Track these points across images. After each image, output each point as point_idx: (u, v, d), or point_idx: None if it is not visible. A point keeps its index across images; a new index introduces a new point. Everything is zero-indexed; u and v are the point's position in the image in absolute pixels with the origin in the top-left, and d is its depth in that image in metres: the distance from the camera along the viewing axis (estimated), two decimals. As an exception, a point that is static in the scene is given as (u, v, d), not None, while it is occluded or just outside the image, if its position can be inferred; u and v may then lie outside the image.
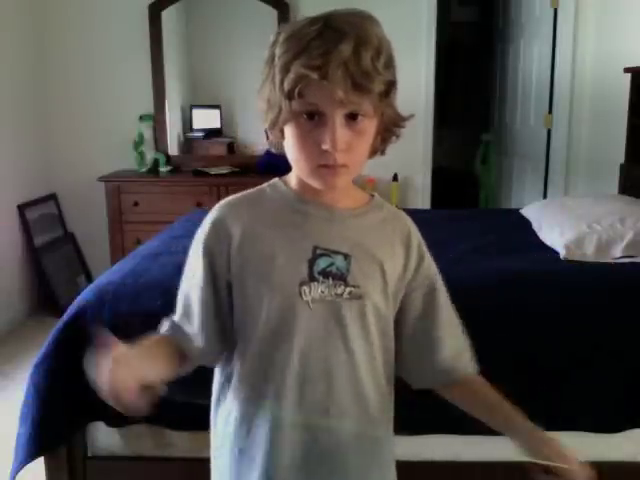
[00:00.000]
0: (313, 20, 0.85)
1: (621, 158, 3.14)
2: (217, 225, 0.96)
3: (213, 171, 3.79)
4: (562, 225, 2.28)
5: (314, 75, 0.82)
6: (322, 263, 0.91)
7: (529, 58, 4.19)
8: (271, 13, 3.77)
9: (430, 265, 1.04)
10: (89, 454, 1.84)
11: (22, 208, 3.67)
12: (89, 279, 4.05)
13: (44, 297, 3.79)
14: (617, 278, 1.94)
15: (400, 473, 1.65)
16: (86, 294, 1.82)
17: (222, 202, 0.99)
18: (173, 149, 4.08)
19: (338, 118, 0.85)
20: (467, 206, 5.13)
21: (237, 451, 0.98)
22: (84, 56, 3.97)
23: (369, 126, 0.89)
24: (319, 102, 0.85)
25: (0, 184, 3.48)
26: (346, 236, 0.94)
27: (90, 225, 4.04)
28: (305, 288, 0.91)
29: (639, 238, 2.11)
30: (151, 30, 3.90)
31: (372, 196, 1.01)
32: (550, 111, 3.91)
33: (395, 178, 4.02)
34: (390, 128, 0.93)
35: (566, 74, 3.80)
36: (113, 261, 3.53)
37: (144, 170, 3.92)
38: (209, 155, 4.10)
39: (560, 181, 3.91)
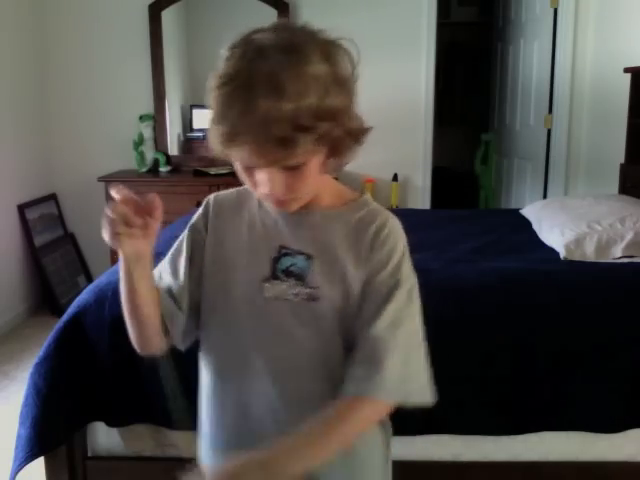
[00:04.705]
0: (237, 70, 0.79)
1: (621, 158, 3.14)
2: (201, 217, 1.01)
3: (213, 171, 3.79)
4: (562, 225, 2.28)
5: (227, 149, 0.82)
6: (285, 262, 0.93)
7: (529, 58, 4.19)
8: (271, 13, 3.77)
9: (394, 272, 0.92)
10: (89, 454, 1.84)
11: (22, 208, 3.67)
12: (89, 279, 4.05)
13: (44, 297, 3.80)
14: (617, 278, 1.94)
15: (400, 473, 1.65)
16: (86, 294, 1.82)
17: (212, 196, 1.03)
18: (173, 149, 4.08)
19: (271, 170, 0.83)
20: (467, 206, 5.13)
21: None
22: (84, 56, 3.98)
23: (310, 165, 0.85)
24: (244, 162, 0.84)
25: (0, 184, 3.48)
26: (313, 237, 0.94)
27: (90, 225, 4.03)
28: (267, 285, 0.93)
29: (639, 238, 2.11)
30: (151, 30, 3.90)
31: (362, 195, 0.99)
32: (550, 111, 3.92)
33: (395, 178, 4.02)
34: (347, 145, 0.87)
35: (566, 74, 3.80)
36: (113, 261, 3.53)
37: (144, 170, 3.92)
38: (209, 155, 4.08)
39: (560, 181, 3.91)
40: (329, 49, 0.82)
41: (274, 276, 0.93)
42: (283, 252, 0.93)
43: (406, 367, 0.90)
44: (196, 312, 0.99)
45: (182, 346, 1.00)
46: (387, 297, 0.90)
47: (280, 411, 0.94)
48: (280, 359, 0.94)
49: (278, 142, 0.78)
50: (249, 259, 0.95)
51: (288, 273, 0.93)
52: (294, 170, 0.83)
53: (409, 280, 0.93)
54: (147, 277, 0.91)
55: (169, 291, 0.97)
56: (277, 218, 0.95)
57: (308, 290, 0.92)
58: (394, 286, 0.91)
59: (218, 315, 0.97)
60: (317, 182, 0.90)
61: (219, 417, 1.00)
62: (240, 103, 0.78)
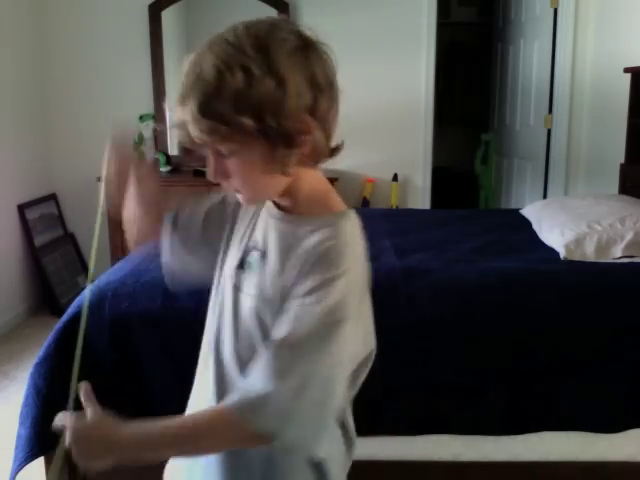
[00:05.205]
0: (191, 56, 0.85)
1: (621, 158, 3.14)
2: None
3: (213, 171, 3.79)
4: (562, 225, 2.28)
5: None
6: (252, 256, 0.96)
7: (529, 58, 4.19)
8: (271, 13, 3.77)
9: (311, 293, 0.82)
10: (89, 454, 1.84)
11: (22, 208, 3.67)
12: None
13: (44, 297, 3.80)
14: (617, 278, 1.94)
15: (400, 473, 1.66)
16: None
17: None
18: (173, 149, 4.08)
19: (209, 152, 0.87)
20: (467, 206, 5.13)
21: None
22: (84, 56, 3.98)
23: (239, 159, 0.85)
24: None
25: (0, 184, 3.48)
26: (273, 239, 0.94)
27: (90, 225, 4.00)
28: (235, 272, 0.96)
29: (639, 238, 2.11)
30: (151, 30, 3.91)
31: (339, 210, 0.92)
32: (550, 111, 3.92)
33: (395, 178, 4.02)
34: (280, 148, 0.83)
35: (566, 74, 3.80)
36: (113, 261, 3.53)
37: (144, 170, 3.92)
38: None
39: (560, 181, 3.91)
40: (271, 47, 0.81)
41: (241, 265, 0.96)
42: (253, 245, 0.96)
43: (294, 403, 0.80)
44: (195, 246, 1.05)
45: (172, 265, 1.06)
46: (297, 317, 0.82)
47: (210, 401, 0.95)
48: (222, 348, 0.95)
49: (194, 121, 0.81)
50: (238, 244, 0.99)
51: (249, 266, 0.95)
52: (224, 158, 0.86)
53: (338, 313, 0.81)
54: (148, 189, 1.03)
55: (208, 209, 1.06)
56: (267, 213, 0.97)
57: (250, 288, 0.93)
58: (307, 309, 0.82)
59: (213, 287, 1.02)
60: (264, 183, 0.88)
61: (194, 388, 1.03)
62: (180, 84, 0.82)
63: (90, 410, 0.85)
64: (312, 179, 0.92)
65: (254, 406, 0.80)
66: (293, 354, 0.81)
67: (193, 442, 0.83)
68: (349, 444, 1.01)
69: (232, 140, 0.82)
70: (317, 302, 0.81)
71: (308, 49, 0.83)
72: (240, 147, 0.83)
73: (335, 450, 0.97)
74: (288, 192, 0.91)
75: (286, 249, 0.89)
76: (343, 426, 0.98)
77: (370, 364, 0.97)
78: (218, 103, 0.79)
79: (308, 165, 0.88)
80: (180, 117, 0.83)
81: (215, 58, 0.80)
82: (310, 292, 0.82)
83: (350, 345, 0.83)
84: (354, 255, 0.86)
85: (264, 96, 0.79)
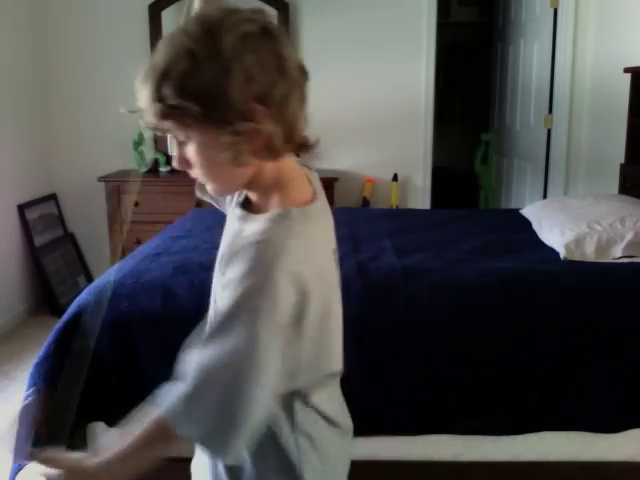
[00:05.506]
0: None
1: (621, 158, 3.14)
2: None
3: (213, 171, 3.79)
4: (562, 225, 2.28)
5: None
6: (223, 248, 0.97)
7: (529, 58, 4.19)
8: (271, 13, 3.78)
9: (231, 296, 0.79)
10: (89, 454, 1.84)
11: (22, 208, 3.67)
12: (89, 279, 4.05)
13: (44, 297, 3.80)
14: (617, 278, 1.94)
15: (400, 473, 1.66)
16: (86, 294, 1.82)
17: None
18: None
19: (171, 139, 0.87)
20: (467, 206, 5.13)
21: None
22: (84, 56, 3.98)
23: (198, 148, 0.84)
24: None
25: (0, 184, 3.48)
26: (230, 230, 0.95)
27: (90, 225, 4.04)
28: (219, 264, 0.97)
29: (639, 238, 2.11)
30: (151, 30, 3.90)
31: (287, 208, 0.88)
32: (550, 111, 3.92)
33: (395, 178, 4.02)
34: (226, 136, 0.80)
35: (566, 74, 3.80)
36: (113, 261, 3.53)
37: (144, 170, 3.92)
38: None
39: (560, 181, 3.91)
40: (221, 32, 0.78)
41: (220, 257, 0.96)
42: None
43: (227, 410, 0.78)
44: None
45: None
46: (220, 323, 0.79)
47: None
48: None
49: (148, 106, 0.82)
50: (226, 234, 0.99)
51: (222, 259, 0.96)
52: (184, 148, 0.86)
53: (262, 316, 0.77)
54: None
55: None
56: (240, 204, 0.97)
57: (218, 280, 0.93)
58: (227, 313, 0.79)
59: None
60: (226, 175, 0.86)
61: None
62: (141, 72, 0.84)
63: (60, 462, 0.85)
64: (274, 171, 0.88)
65: (173, 405, 0.80)
66: (206, 350, 0.79)
67: (149, 449, 0.85)
68: (344, 430, 0.99)
69: (183, 125, 0.82)
70: (235, 306, 0.78)
71: (264, 36, 0.80)
72: (191, 133, 0.83)
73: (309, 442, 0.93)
74: (251, 184, 0.89)
75: (232, 245, 0.91)
76: (320, 413, 0.94)
77: (334, 380, 0.97)
78: (166, 88, 0.79)
79: (264, 158, 0.84)
80: (139, 103, 0.84)
81: (169, 45, 0.80)
82: (231, 289, 0.80)
83: (277, 345, 0.78)
84: (293, 256, 0.81)
85: (207, 81, 0.78)
